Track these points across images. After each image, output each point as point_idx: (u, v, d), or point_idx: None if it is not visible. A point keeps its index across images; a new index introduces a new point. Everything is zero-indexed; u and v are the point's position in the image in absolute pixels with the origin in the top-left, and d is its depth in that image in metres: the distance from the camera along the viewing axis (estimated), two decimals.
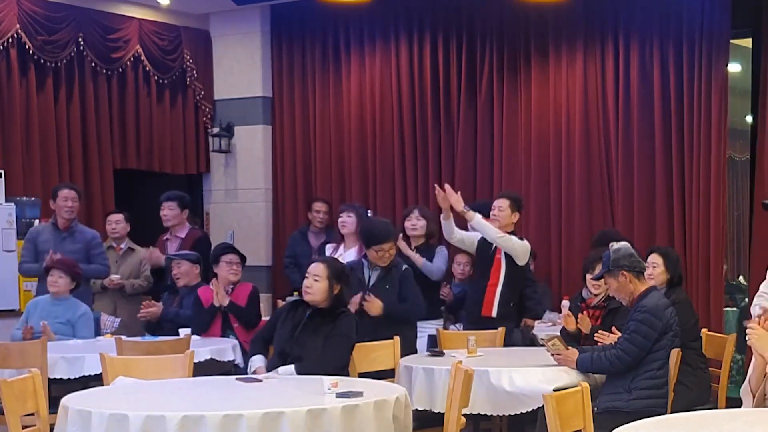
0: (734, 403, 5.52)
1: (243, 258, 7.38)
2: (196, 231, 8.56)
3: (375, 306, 6.45)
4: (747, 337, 4.10)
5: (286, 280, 9.05)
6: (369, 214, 7.60)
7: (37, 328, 6.91)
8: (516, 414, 5.51)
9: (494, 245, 7.00)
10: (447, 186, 7.16)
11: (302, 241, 8.80)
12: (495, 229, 6.90)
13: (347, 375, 5.50)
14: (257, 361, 5.69)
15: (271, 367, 5.58)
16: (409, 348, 6.36)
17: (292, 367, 5.42)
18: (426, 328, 7.07)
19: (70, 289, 7.15)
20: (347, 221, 7.50)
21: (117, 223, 8.33)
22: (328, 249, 7.82)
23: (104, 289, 8.10)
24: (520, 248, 6.96)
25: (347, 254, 7.41)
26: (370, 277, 6.63)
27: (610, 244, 5.64)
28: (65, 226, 7.85)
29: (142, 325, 7.62)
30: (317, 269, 5.63)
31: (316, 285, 5.60)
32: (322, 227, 8.74)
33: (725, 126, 8.20)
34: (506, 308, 6.98)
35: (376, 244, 6.55)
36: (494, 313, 6.93)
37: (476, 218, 6.94)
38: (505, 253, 6.96)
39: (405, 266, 6.74)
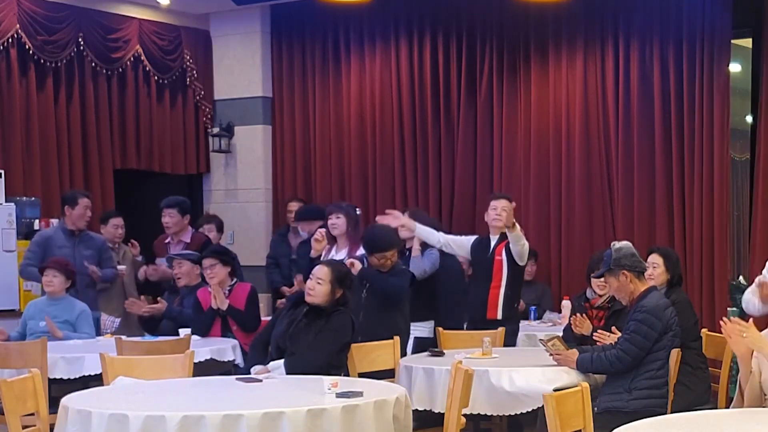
0: None
1: (223, 256, 7.28)
2: (201, 235, 8.49)
3: (356, 267, 6.49)
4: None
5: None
6: (358, 212, 7.52)
7: (35, 329, 6.91)
8: (516, 414, 5.51)
9: (493, 247, 6.99)
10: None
11: (282, 242, 8.90)
12: (524, 238, 6.91)
13: (337, 371, 5.51)
14: (257, 368, 5.68)
15: (267, 362, 5.60)
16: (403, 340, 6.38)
17: (281, 361, 5.45)
18: (413, 330, 6.99)
19: (66, 288, 7.13)
20: (337, 223, 7.29)
21: (122, 227, 8.41)
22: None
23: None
24: (527, 249, 6.99)
25: (339, 255, 7.30)
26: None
27: (611, 243, 5.63)
28: (79, 233, 7.87)
29: (141, 324, 7.60)
30: (321, 272, 5.64)
31: (318, 288, 5.62)
32: (295, 226, 8.75)
33: (727, 126, 8.20)
34: (511, 310, 6.98)
35: (379, 252, 6.46)
36: (499, 315, 6.92)
37: (517, 231, 6.78)
38: (507, 254, 6.94)
39: (403, 268, 6.69)
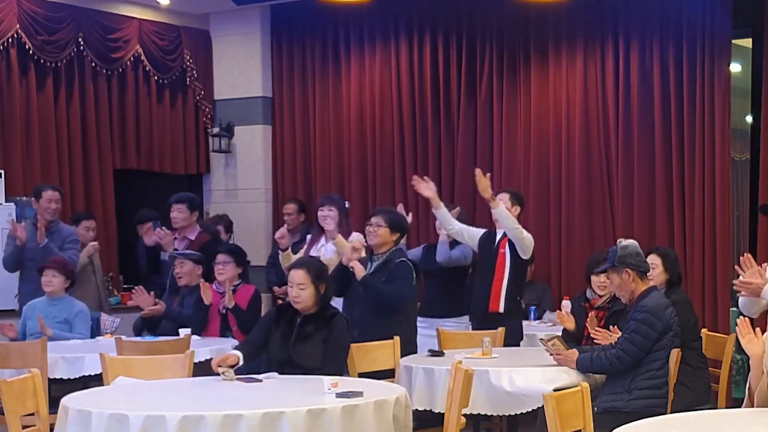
0: (734, 403, 5.53)
1: (238, 257, 7.27)
2: (205, 235, 8.40)
3: (358, 269, 6.42)
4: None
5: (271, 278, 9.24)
6: (347, 205, 7.50)
7: (35, 329, 6.91)
8: (516, 414, 5.51)
9: (498, 240, 6.99)
10: (477, 170, 6.96)
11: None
12: (514, 219, 6.88)
13: (347, 374, 5.51)
14: (233, 351, 5.50)
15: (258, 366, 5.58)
16: (408, 348, 6.33)
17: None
18: (446, 327, 6.99)
19: (66, 288, 7.12)
20: (329, 215, 7.16)
21: (94, 230, 8.39)
22: (307, 241, 7.57)
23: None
24: (529, 242, 6.95)
25: (329, 246, 7.22)
26: (369, 268, 6.53)
27: (618, 241, 5.62)
28: (46, 227, 7.74)
29: (142, 323, 7.57)
30: (299, 277, 5.49)
31: (303, 293, 5.49)
32: (292, 228, 8.75)
33: (728, 126, 8.20)
34: (513, 303, 6.96)
35: (396, 229, 6.53)
36: (501, 309, 6.90)
37: (500, 207, 6.83)
38: (510, 248, 6.93)
39: (402, 259, 6.54)
